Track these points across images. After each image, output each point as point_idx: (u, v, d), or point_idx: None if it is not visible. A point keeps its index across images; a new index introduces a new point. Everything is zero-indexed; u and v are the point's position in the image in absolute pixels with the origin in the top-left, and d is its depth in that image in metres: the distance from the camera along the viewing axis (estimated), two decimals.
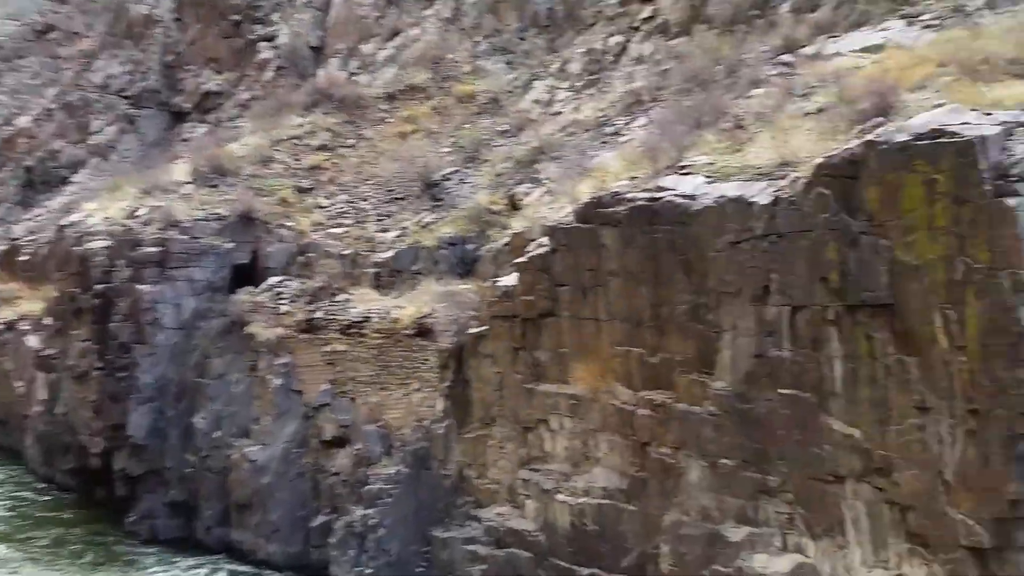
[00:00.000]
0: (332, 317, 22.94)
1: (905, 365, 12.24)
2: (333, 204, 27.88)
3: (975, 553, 11.68)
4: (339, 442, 21.73)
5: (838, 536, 13.20)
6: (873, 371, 12.64)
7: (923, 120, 12.46)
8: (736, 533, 14.16)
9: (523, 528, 17.70)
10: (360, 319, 22.36)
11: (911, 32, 18.87)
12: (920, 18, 19.35)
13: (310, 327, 23.13)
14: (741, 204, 14.09)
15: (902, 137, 12.20)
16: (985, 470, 11.52)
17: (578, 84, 28.38)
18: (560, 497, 17.03)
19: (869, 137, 12.65)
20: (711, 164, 15.85)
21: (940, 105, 13.53)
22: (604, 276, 16.38)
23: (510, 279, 18.63)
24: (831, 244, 12.88)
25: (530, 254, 18.03)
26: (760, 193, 13.99)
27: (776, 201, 13.55)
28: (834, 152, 13.09)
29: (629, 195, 16.01)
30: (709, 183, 14.97)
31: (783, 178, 13.99)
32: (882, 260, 12.35)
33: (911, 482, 12.24)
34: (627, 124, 23.58)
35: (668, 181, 15.72)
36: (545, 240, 17.90)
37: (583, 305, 16.90)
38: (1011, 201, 11.18)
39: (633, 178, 17.03)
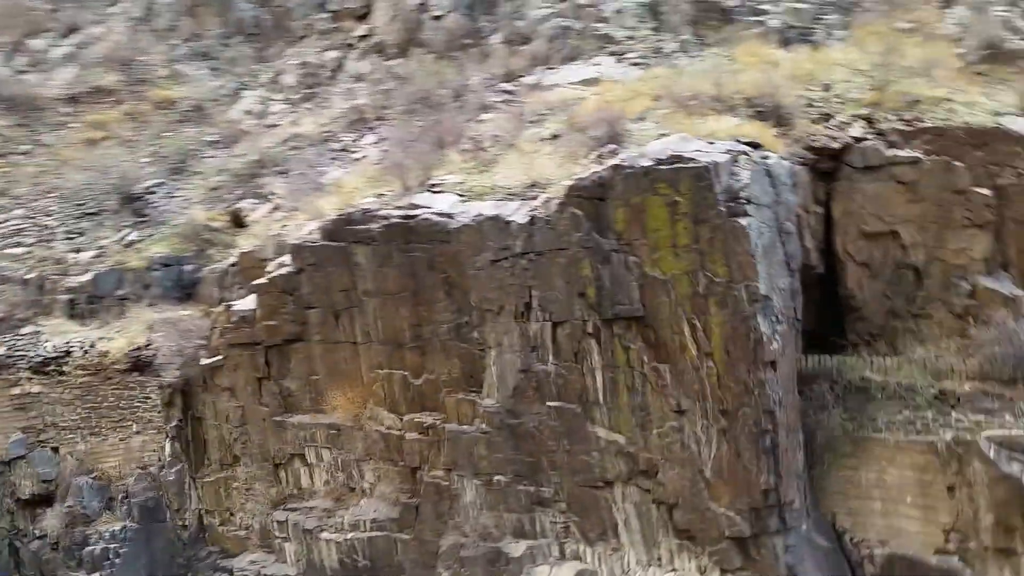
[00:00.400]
0: (20, 353, 19.44)
1: (660, 372, 13.30)
2: (7, 220, 23.71)
3: (737, 542, 13.03)
4: (43, 500, 18.46)
5: (612, 539, 13.96)
6: (632, 379, 13.56)
7: (660, 147, 13.68)
8: (516, 548, 14.35)
9: (283, 574, 16.37)
10: (57, 355, 19.21)
11: (620, 68, 20.77)
12: (626, 56, 21.38)
13: None
14: (499, 223, 14.35)
15: (645, 162, 13.27)
16: (738, 465, 12.90)
17: (294, 97, 27.22)
18: (325, 535, 16.02)
19: (615, 161, 13.60)
20: (461, 183, 16.01)
21: (664, 135, 15.04)
22: (359, 296, 15.75)
23: (246, 302, 17.16)
24: (586, 261, 13.61)
25: (271, 275, 16.77)
26: (516, 212, 14.36)
27: (533, 220, 14.00)
28: (583, 175, 13.87)
29: (382, 212, 15.58)
30: (464, 201, 15.07)
31: (535, 198, 14.53)
32: (633, 275, 13.31)
33: (674, 481, 13.32)
34: (355, 141, 23.06)
35: (421, 199, 15.57)
36: (288, 259, 16.78)
37: (336, 328, 16.10)
38: (743, 221, 12.65)
39: (380, 195, 16.63)
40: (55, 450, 18.88)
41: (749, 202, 12.72)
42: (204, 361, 17.51)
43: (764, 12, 22.35)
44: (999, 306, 14.62)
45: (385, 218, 15.40)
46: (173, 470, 17.93)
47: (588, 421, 13.87)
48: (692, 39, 21.59)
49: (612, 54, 21.32)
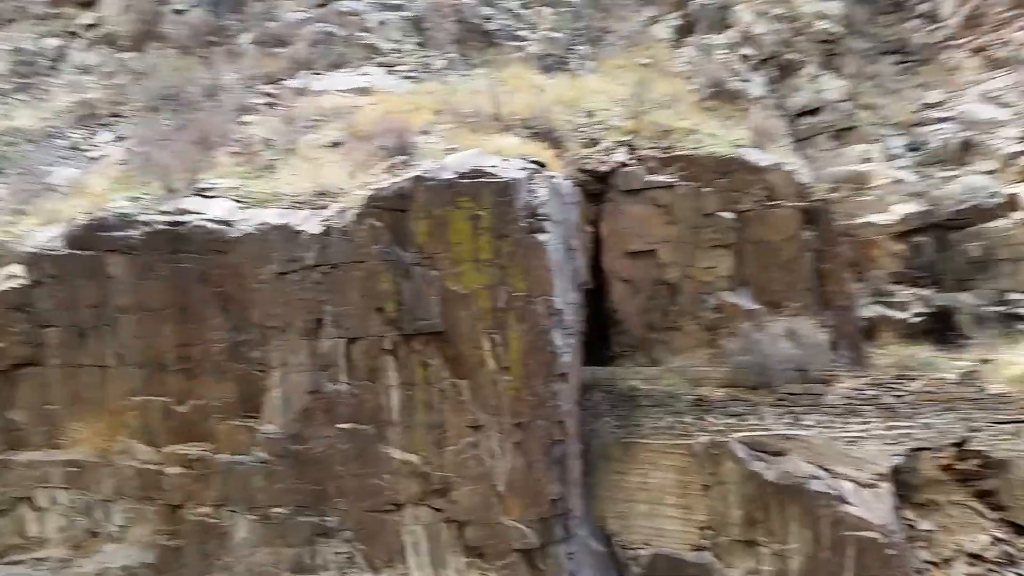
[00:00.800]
0: None
1: (458, 388, 13.17)
2: None
3: (525, 555, 13.16)
4: None
5: (399, 565, 13.50)
6: (429, 396, 13.29)
7: (459, 161, 13.63)
8: None
9: None
10: None
11: (391, 80, 20.46)
12: (396, 68, 21.13)
13: None
14: (287, 233, 13.43)
15: (447, 175, 13.16)
16: (530, 476, 13.09)
17: (5, 87, 23.49)
18: None
19: (416, 173, 13.31)
20: (236, 188, 14.73)
21: (452, 149, 15.05)
22: (111, 313, 13.80)
23: None
24: (385, 274, 13.15)
25: None
26: (306, 222, 13.51)
27: (327, 231, 13.26)
28: (383, 186, 13.40)
29: (142, 217, 13.83)
30: (243, 208, 13.85)
31: (326, 207, 13.78)
32: (434, 290, 13.09)
33: (467, 498, 13.22)
34: (88, 138, 20.33)
35: (191, 203, 14.07)
36: (19, 271, 14.28)
37: (80, 350, 13.97)
38: (541, 237, 12.97)
39: (135, 198, 14.77)
40: None
41: (547, 219, 13.07)
42: None
43: (523, 38, 23.32)
44: (742, 319, 16.36)
45: (147, 224, 13.70)
46: None
47: (381, 442, 13.33)
48: (458, 57, 21.88)
49: (381, 65, 20.96)
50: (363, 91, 19.30)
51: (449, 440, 13.23)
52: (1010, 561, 15.34)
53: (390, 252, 13.10)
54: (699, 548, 15.50)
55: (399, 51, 21.78)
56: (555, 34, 23.93)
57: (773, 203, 16.80)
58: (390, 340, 13.26)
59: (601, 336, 16.75)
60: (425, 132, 16.32)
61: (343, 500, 13.41)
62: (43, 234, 14.62)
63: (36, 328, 14.10)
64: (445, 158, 13.85)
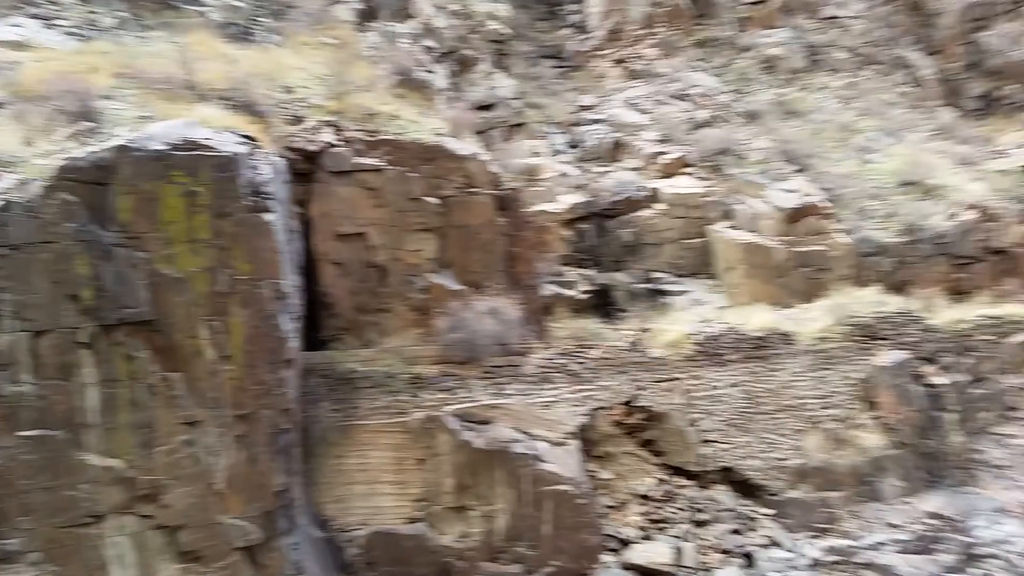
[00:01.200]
0: None
1: (170, 382, 12.03)
2: None
3: (247, 552, 12.47)
4: None
5: None
6: (135, 393, 11.94)
7: (166, 130, 12.35)
8: None
9: None
10: None
11: (52, 35, 17.79)
12: (55, 22, 18.37)
13: None
14: None
15: (157, 146, 11.88)
16: (254, 470, 12.43)
17: None
18: None
19: (119, 142, 11.82)
20: None
21: (147, 117, 13.66)
22: None
23: None
24: (80, 257, 11.51)
25: None
26: None
27: (7, 206, 11.22)
28: (78, 155, 11.68)
29: None
30: None
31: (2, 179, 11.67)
32: (141, 274, 11.78)
33: (181, 500, 12.17)
34: None
35: None
36: None
37: None
38: (267, 216, 12.31)
39: None
40: None
41: (271, 197, 12.43)
42: None
43: (203, 3, 21.64)
44: (449, 299, 17.10)
45: None
46: None
47: (76, 448, 11.70)
48: (131, 17, 19.66)
49: (36, 17, 18.05)
50: (17, 46, 16.52)
51: (160, 440, 12.02)
52: (671, 498, 18.08)
53: (87, 232, 11.46)
54: (414, 520, 15.98)
55: (55, 3, 18.92)
56: (237, 2, 22.55)
57: (472, 190, 17.71)
58: (87, 332, 11.63)
59: (311, 319, 16.38)
60: (108, 97, 14.51)
61: (28, 518, 11.50)
62: None
63: None
64: (148, 127, 12.44)
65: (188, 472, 12.12)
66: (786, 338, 20.13)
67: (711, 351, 19.17)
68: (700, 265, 24.80)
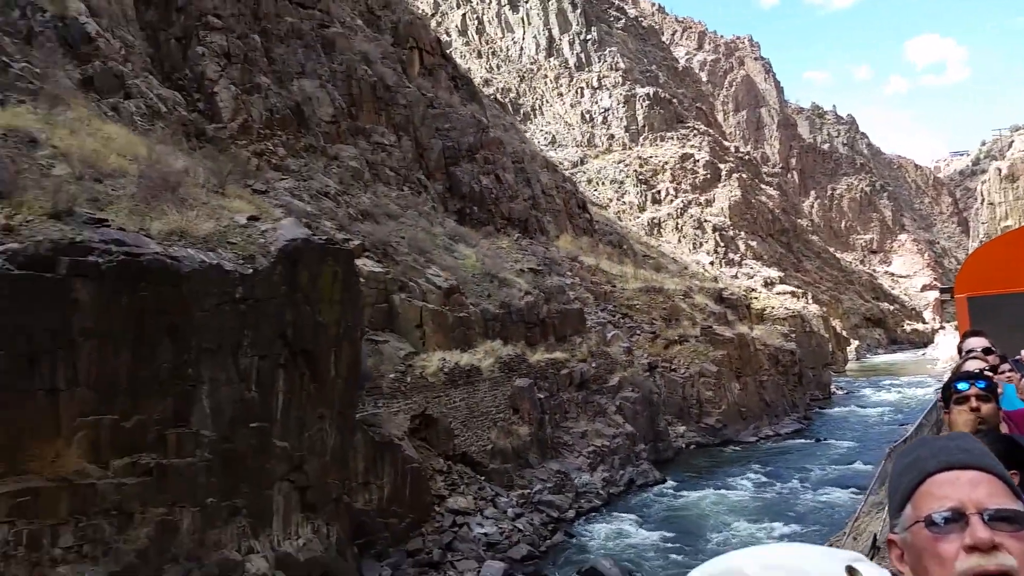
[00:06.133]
0: None
1: (313, 390, 18.80)
2: None
3: (337, 501, 19.53)
4: None
5: (268, 528, 17.89)
6: (297, 397, 18.42)
7: (304, 231, 19.15)
8: (213, 557, 16.30)
9: None
10: None
11: None
12: None
13: None
14: (221, 271, 16.61)
15: (319, 240, 18.81)
16: (346, 449, 19.66)
17: None
18: None
19: (305, 235, 18.42)
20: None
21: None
22: (70, 337, 14.00)
23: None
24: (286, 309, 17.90)
25: None
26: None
27: (252, 274, 17.11)
28: (286, 242, 17.97)
29: (101, 243, 14.59)
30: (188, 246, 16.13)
31: None
32: (308, 320, 18.51)
33: (312, 468, 18.85)
34: None
35: (131, 236, 15.34)
36: None
37: (27, 374, 13.48)
38: (359, 290, 19.99)
39: (27, 221, 14.57)
40: None
41: (359, 279, 20.08)
42: None
43: None
44: None
45: (110, 252, 14.49)
46: None
47: (271, 435, 17.71)
48: None
49: None
50: None
51: (306, 428, 18.62)
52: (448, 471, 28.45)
53: (287, 291, 17.88)
54: None
55: None
56: None
57: None
58: (282, 357, 17.85)
59: None
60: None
61: (245, 484, 17.05)
62: None
63: None
64: (294, 227, 19.02)
65: (317, 449, 18.90)
66: (476, 370, 32.38)
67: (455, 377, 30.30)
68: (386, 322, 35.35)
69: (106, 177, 18.05)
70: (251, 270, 17.25)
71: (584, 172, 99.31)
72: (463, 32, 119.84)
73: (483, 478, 30.34)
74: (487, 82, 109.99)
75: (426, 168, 59.33)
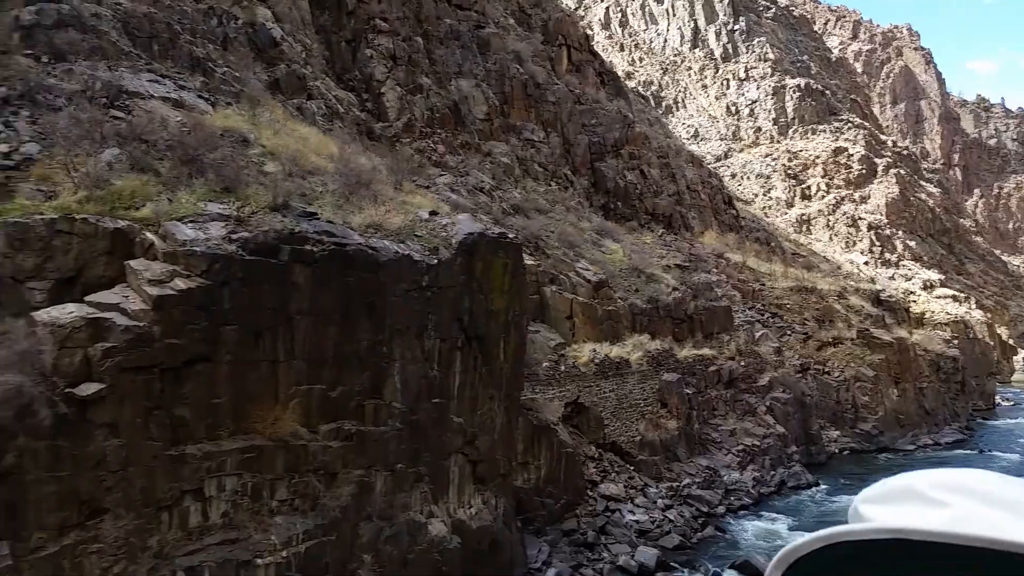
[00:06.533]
0: None
1: (484, 373, 20.19)
2: None
3: (503, 476, 20.85)
4: None
5: (446, 495, 19.44)
6: (471, 378, 19.86)
7: (479, 225, 20.54)
8: (401, 517, 17.96)
9: None
10: None
11: None
12: None
13: None
14: (411, 261, 18.22)
15: (492, 234, 20.16)
16: (512, 427, 20.97)
17: None
18: (262, 561, 14.84)
19: (480, 230, 19.84)
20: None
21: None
22: (288, 315, 15.91)
23: (131, 317, 13.78)
24: (463, 296, 19.35)
25: (179, 288, 14.26)
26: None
27: (438, 264, 18.65)
28: (465, 236, 19.45)
29: (314, 234, 16.43)
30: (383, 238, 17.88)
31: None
32: (481, 308, 19.90)
33: (483, 443, 20.26)
34: None
35: (337, 228, 17.16)
36: (180, 269, 14.64)
37: (253, 347, 15.48)
38: (524, 276, 21.21)
39: (253, 213, 16.56)
40: None
41: (524, 267, 21.32)
42: (85, 392, 12.75)
43: None
44: None
45: (322, 242, 16.35)
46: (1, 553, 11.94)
47: (448, 412, 19.24)
48: None
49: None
50: None
51: (478, 407, 20.04)
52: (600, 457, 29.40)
53: (464, 281, 19.33)
54: None
55: None
56: None
57: None
58: (459, 341, 19.35)
59: None
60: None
61: (427, 453, 18.67)
62: (209, 234, 15.00)
63: (214, 327, 14.73)
64: (468, 221, 20.48)
65: (487, 426, 20.29)
66: (625, 362, 33.07)
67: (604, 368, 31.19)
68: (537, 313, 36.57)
69: (308, 174, 20.10)
70: (436, 260, 18.78)
71: (728, 166, 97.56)
72: (606, 25, 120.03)
73: (632, 468, 31.08)
74: (629, 75, 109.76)
75: (572, 164, 60.42)
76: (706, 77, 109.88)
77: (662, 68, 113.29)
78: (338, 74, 45.52)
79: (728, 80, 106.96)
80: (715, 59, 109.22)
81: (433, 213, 20.59)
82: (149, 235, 14.87)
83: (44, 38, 21.08)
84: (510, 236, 21.15)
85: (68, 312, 13.56)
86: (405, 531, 17.77)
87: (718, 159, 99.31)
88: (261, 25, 37.37)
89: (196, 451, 14.67)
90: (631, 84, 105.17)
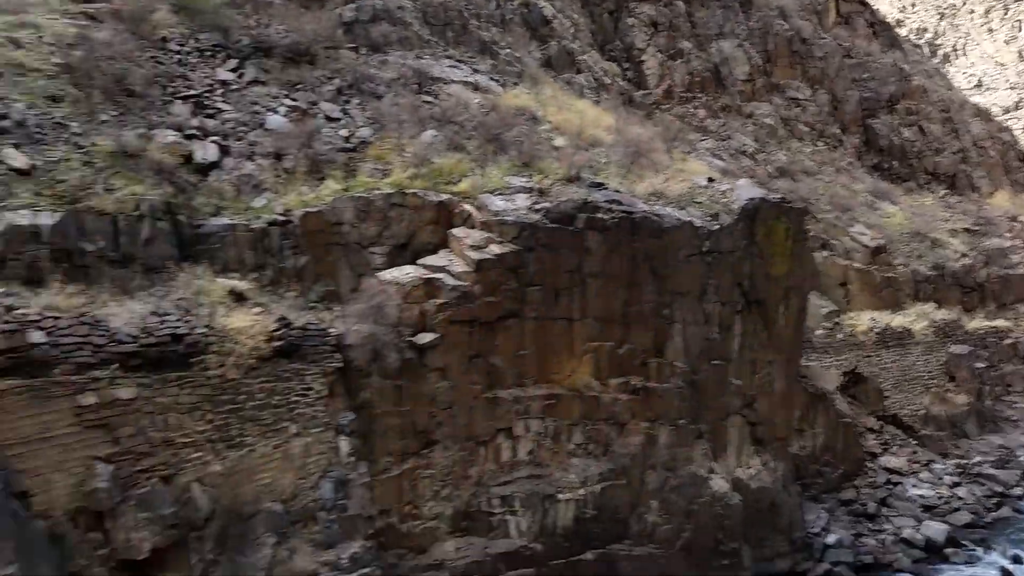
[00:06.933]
0: (72, 340, 11.78)
1: (763, 336, 20.47)
2: None
3: (783, 440, 21.05)
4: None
5: (724, 454, 20.07)
6: (750, 341, 20.24)
7: (755, 190, 20.69)
8: (684, 470, 18.92)
9: (516, 547, 16.21)
10: (150, 340, 12.51)
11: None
12: None
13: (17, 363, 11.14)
14: (692, 228, 18.90)
15: (774, 199, 20.26)
16: (790, 391, 21.05)
17: None
18: (562, 496, 16.75)
19: (761, 195, 20.06)
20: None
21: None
22: (582, 277, 17.35)
23: (456, 278, 15.94)
24: (744, 261, 19.73)
25: (494, 252, 16.21)
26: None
27: (720, 229, 19.19)
28: (744, 202, 19.81)
29: (605, 203, 17.67)
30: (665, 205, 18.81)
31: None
32: (761, 273, 20.11)
33: (762, 406, 20.57)
34: None
35: (624, 196, 18.31)
36: (494, 236, 16.53)
37: (553, 306, 17.11)
38: (808, 244, 21.03)
39: (551, 185, 18.03)
40: (167, 481, 12.48)
41: (807, 232, 21.16)
42: (424, 339, 15.24)
43: None
44: None
45: (612, 210, 17.59)
46: (359, 472, 14.71)
47: (726, 373, 19.81)
48: None
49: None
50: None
51: (757, 369, 20.39)
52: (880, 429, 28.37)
53: (745, 245, 19.67)
54: None
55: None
56: None
57: None
58: (740, 304, 19.80)
59: None
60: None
61: (708, 412, 19.46)
62: (515, 204, 16.90)
63: (522, 287, 16.58)
64: (748, 187, 20.73)
65: (766, 390, 20.56)
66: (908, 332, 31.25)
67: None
68: None
69: (591, 146, 21.38)
70: (717, 226, 19.30)
71: (1020, 118, 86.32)
72: None
73: (915, 442, 29.58)
74: (899, 23, 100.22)
75: (841, 122, 56.91)
76: (992, 19, 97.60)
77: (939, 13, 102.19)
78: (600, 45, 46.61)
79: (1021, 22, 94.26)
80: None
81: (710, 180, 21.04)
82: (467, 206, 16.90)
83: (362, 32, 24.00)
84: (791, 201, 21.06)
85: (407, 273, 15.93)
86: (688, 483, 18.71)
87: (1007, 111, 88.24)
88: (534, 4, 39.30)
89: (507, 395, 16.64)
90: (901, 33, 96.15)
